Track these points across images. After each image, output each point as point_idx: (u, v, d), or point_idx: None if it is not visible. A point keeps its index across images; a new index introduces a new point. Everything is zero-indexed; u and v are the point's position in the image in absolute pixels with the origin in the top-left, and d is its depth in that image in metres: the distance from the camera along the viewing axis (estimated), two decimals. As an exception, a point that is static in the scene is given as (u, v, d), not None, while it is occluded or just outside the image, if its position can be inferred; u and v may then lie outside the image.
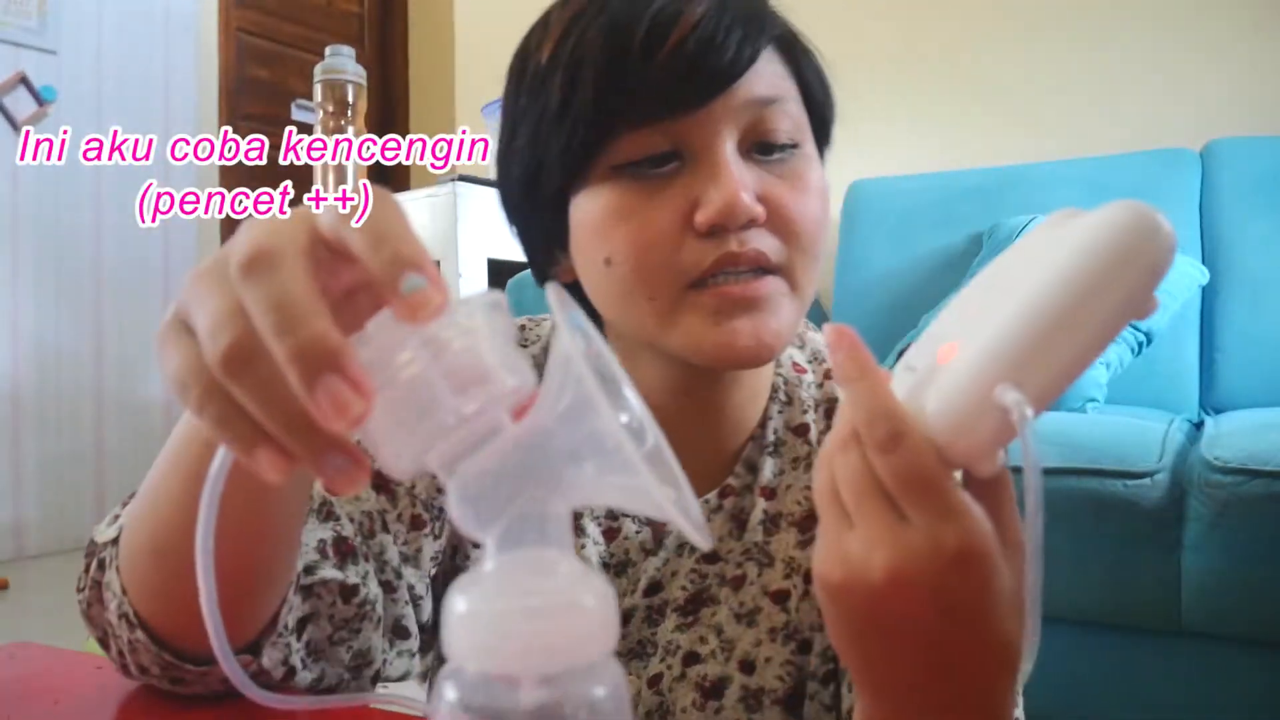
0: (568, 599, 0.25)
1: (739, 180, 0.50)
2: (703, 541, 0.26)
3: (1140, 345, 1.82)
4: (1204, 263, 1.91)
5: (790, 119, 0.54)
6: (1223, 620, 1.30)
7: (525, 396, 0.27)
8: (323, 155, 1.48)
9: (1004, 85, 2.41)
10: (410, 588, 0.58)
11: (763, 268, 0.52)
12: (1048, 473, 1.34)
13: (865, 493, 0.36)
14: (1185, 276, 1.83)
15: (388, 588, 0.58)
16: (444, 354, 0.26)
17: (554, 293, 0.28)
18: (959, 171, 2.28)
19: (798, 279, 0.54)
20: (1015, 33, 2.40)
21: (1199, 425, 1.67)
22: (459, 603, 0.25)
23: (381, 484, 0.58)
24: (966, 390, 0.34)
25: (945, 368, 0.35)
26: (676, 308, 0.52)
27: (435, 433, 0.26)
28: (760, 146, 0.53)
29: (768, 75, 0.53)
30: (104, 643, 0.52)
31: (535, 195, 0.56)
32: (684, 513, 0.26)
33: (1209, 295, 1.92)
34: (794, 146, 0.54)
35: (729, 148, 0.51)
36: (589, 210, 0.53)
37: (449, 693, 0.25)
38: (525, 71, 0.55)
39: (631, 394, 0.28)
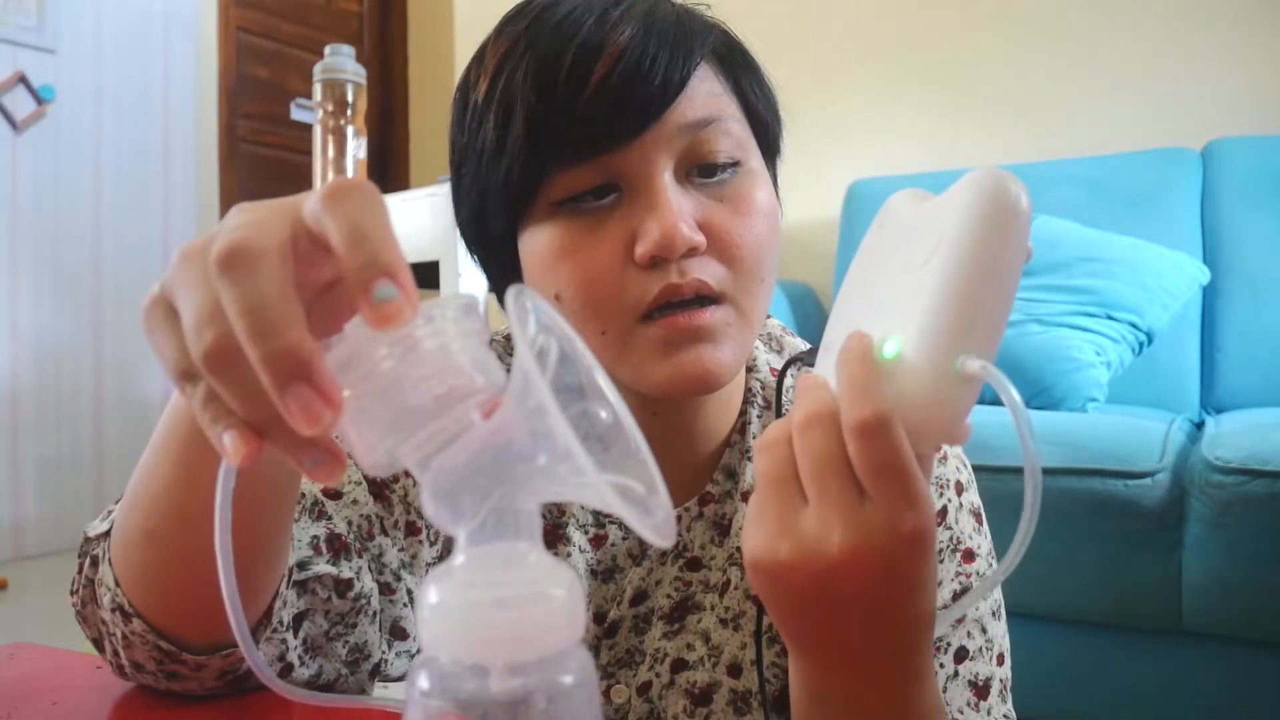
0: (537, 590, 0.26)
1: (676, 210, 0.49)
2: (661, 541, 0.27)
3: (1141, 345, 1.82)
4: (1205, 262, 1.91)
5: (730, 138, 0.53)
6: (1223, 620, 1.30)
7: (495, 395, 0.28)
8: (322, 155, 1.47)
9: (1004, 85, 2.41)
10: (409, 590, 0.58)
11: (707, 296, 0.51)
12: (1048, 473, 1.34)
13: (829, 472, 0.38)
14: (1186, 276, 1.83)
15: (386, 589, 0.58)
16: (417, 354, 0.27)
17: (514, 294, 0.28)
18: (959, 171, 2.26)
19: (743, 306, 0.52)
20: (1015, 32, 2.40)
21: (1200, 425, 1.67)
22: (431, 593, 0.26)
23: (377, 491, 0.58)
24: (934, 374, 0.37)
25: (898, 363, 0.38)
26: (627, 341, 0.52)
27: (408, 430, 0.27)
28: (700, 169, 0.52)
29: (702, 95, 0.52)
30: (99, 644, 0.52)
31: (484, 233, 0.56)
32: (644, 511, 0.26)
33: (1210, 295, 1.92)
34: (736, 165, 0.53)
35: (665, 177, 0.50)
36: (534, 247, 0.53)
37: (422, 681, 0.26)
38: (466, 108, 0.55)
39: (605, 383, 0.28)
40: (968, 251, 0.37)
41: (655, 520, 0.27)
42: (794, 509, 0.39)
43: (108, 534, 0.50)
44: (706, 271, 0.51)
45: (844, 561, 0.37)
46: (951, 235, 0.38)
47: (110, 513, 0.52)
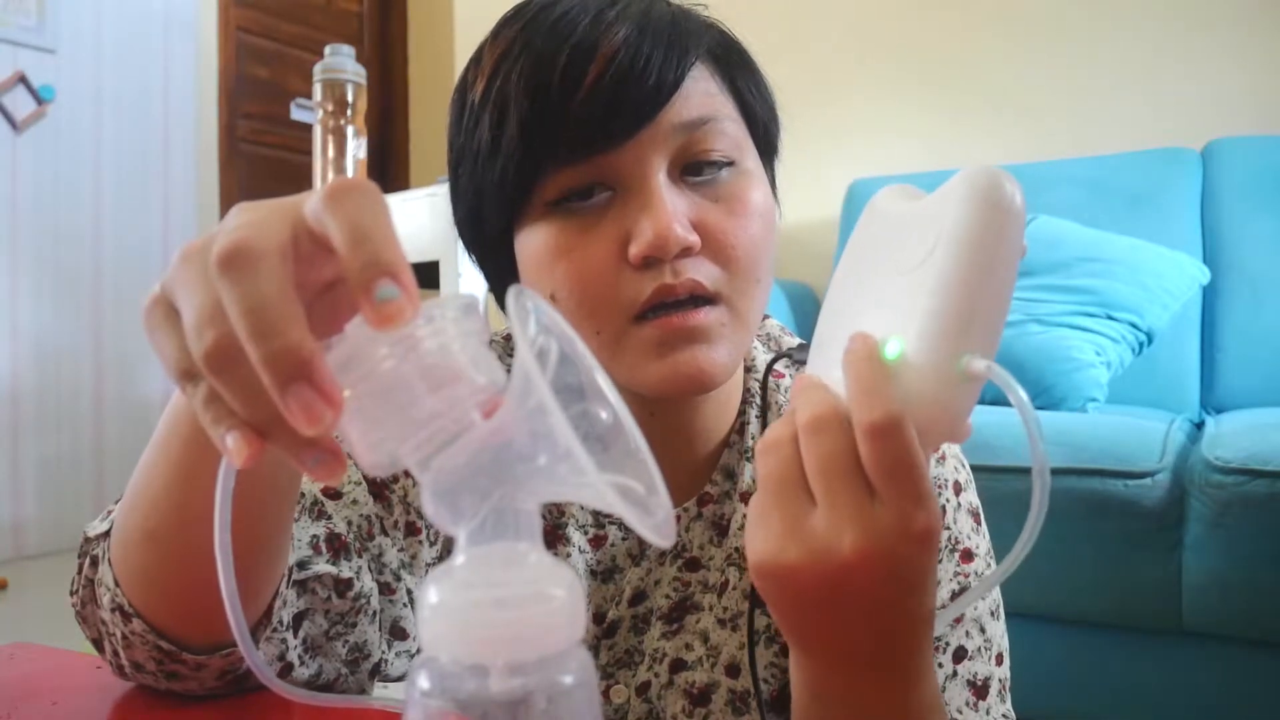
0: (537, 589, 0.26)
1: (670, 211, 0.49)
2: (661, 541, 0.27)
3: (1141, 345, 1.82)
4: (1205, 262, 1.91)
5: (725, 137, 0.53)
6: (1223, 620, 1.30)
7: (495, 395, 0.28)
8: (322, 155, 1.47)
9: (1004, 85, 2.41)
10: (409, 590, 0.59)
11: (701, 296, 0.51)
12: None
13: (838, 474, 0.38)
14: (1186, 276, 1.83)
15: (386, 589, 0.58)
16: (418, 353, 0.27)
17: (514, 294, 0.28)
18: (959, 171, 2.27)
19: (738, 306, 0.52)
20: (1015, 32, 2.40)
21: (1200, 425, 1.67)
22: (431, 593, 0.26)
23: (377, 491, 0.58)
24: (938, 374, 0.37)
25: (901, 364, 0.38)
26: (622, 341, 0.52)
27: (408, 430, 0.27)
28: (694, 169, 0.52)
29: (697, 95, 0.52)
30: (98, 644, 0.52)
31: (481, 233, 0.56)
32: (644, 511, 0.26)
33: (1210, 295, 1.92)
34: (730, 165, 0.53)
35: (659, 177, 0.50)
36: (530, 247, 0.53)
37: (422, 681, 0.26)
38: (463, 109, 0.55)
39: (605, 384, 0.28)
40: (966, 251, 0.37)
41: (655, 520, 0.27)
42: (801, 511, 0.39)
43: (107, 534, 0.50)
44: (701, 272, 0.51)
45: (856, 563, 0.37)
46: (948, 235, 0.38)
47: (110, 513, 0.52)
